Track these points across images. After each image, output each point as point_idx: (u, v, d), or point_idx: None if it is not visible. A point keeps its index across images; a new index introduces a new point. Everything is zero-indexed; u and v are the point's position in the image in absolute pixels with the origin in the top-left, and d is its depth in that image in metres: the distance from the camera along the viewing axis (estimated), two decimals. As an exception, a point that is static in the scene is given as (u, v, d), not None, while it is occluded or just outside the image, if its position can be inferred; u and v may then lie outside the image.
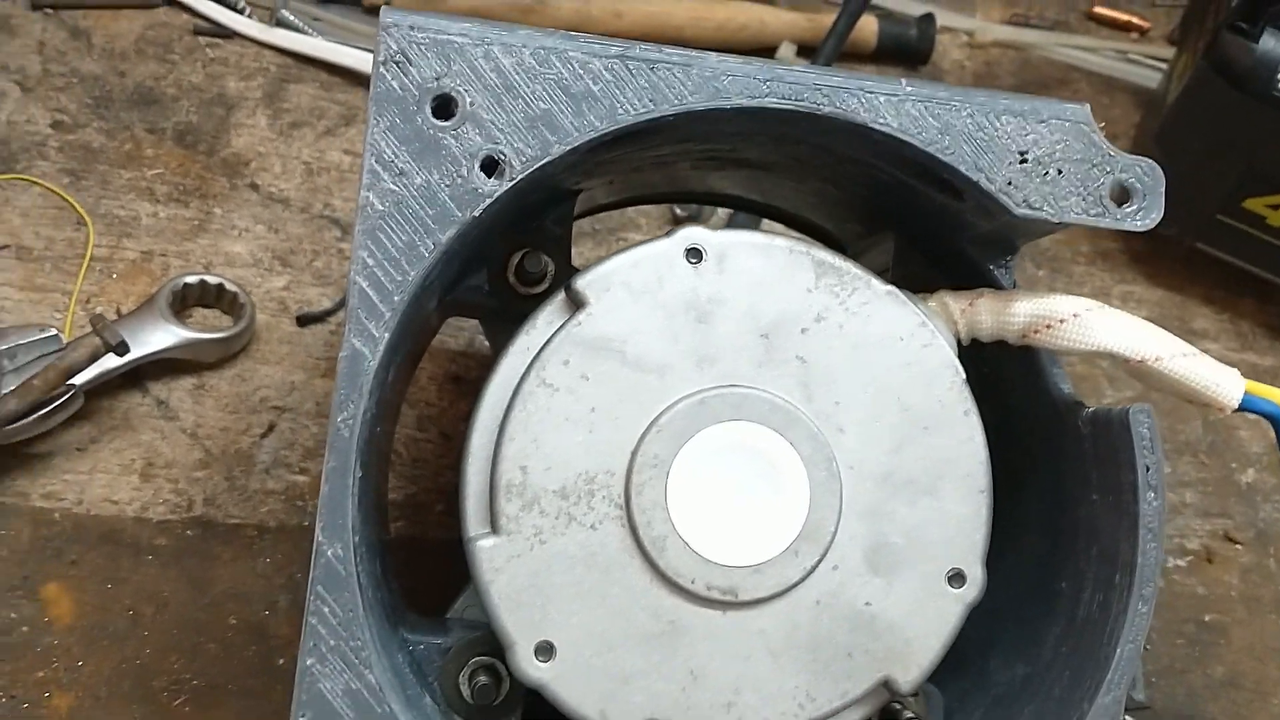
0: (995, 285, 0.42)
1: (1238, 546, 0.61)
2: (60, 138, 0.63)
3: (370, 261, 0.36)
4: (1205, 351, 0.62)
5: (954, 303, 0.41)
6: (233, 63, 0.67)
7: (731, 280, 0.40)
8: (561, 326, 0.39)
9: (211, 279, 0.58)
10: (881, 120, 0.38)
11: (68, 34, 0.66)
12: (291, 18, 0.68)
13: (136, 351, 0.54)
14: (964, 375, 0.41)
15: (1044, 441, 0.44)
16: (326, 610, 0.35)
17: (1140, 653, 0.38)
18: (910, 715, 0.42)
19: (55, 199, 0.61)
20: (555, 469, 0.39)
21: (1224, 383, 0.39)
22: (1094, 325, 0.39)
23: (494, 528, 0.39)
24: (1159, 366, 0.39)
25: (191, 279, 0.58)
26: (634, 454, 0.39)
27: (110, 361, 0.53)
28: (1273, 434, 0.41)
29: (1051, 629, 0.42)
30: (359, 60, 0.67)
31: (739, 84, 0.37)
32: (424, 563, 0.54)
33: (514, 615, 0.39)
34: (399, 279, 0.36)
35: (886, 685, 0.40)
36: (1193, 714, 0.57)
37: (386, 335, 0.36)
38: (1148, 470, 0.39)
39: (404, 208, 0.36)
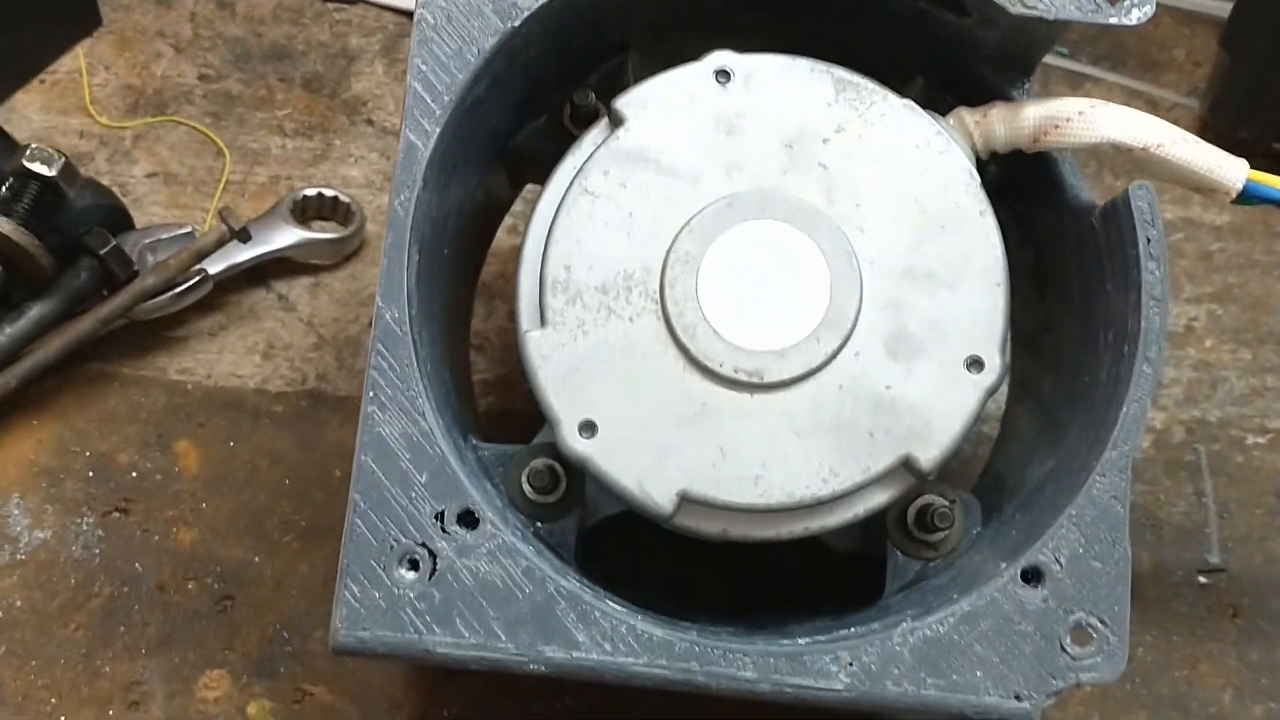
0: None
1: (1322, 427, 0.61)
2: (205, 87, 0.71)
3: (423, 68, 0.41)
4: None
5: (969, 115, 0.44)
6: (355, 23, 0.75)
7: (757, 97, 0.44)
8: (602, 142, 0.44)
9: (328, 191, 0.64)
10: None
11: (215, 5, 0.75)
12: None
13: (260, 249, 0.61)
14: (979, 180, 0.43)
15: (1074, 254, 0.46)
16: (385, 365, 0.40)
17: (1146, 413, 0.40)
18: (945, 504, 0.44)
19: (199, 136, 0.69)
20: (596, 268, 0.43)
21: (1227, 167, 0.41)
22: (1098, 119, 0.42)
23: (542, 321, 0.43)
24: (1161, 153, 0.41)
25: (310, 191, 0.64)
26: (668, 252, 0.43)
27: (238, 255, 0.60)
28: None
29: (1075, 420, 0.43)
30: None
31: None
32: (509, 432, 0.58)
33: (559, 397, 0.43)
34: (448, 80, 0.41)
35: (907, 464, 0.42)
36: (1273, 578, 0.56)
37: (437, 130, 0.41)
38: (1149, 242, 0.41)
39: (453, 20, 0.41)
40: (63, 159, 0.56)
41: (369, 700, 0.52)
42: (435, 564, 0.39)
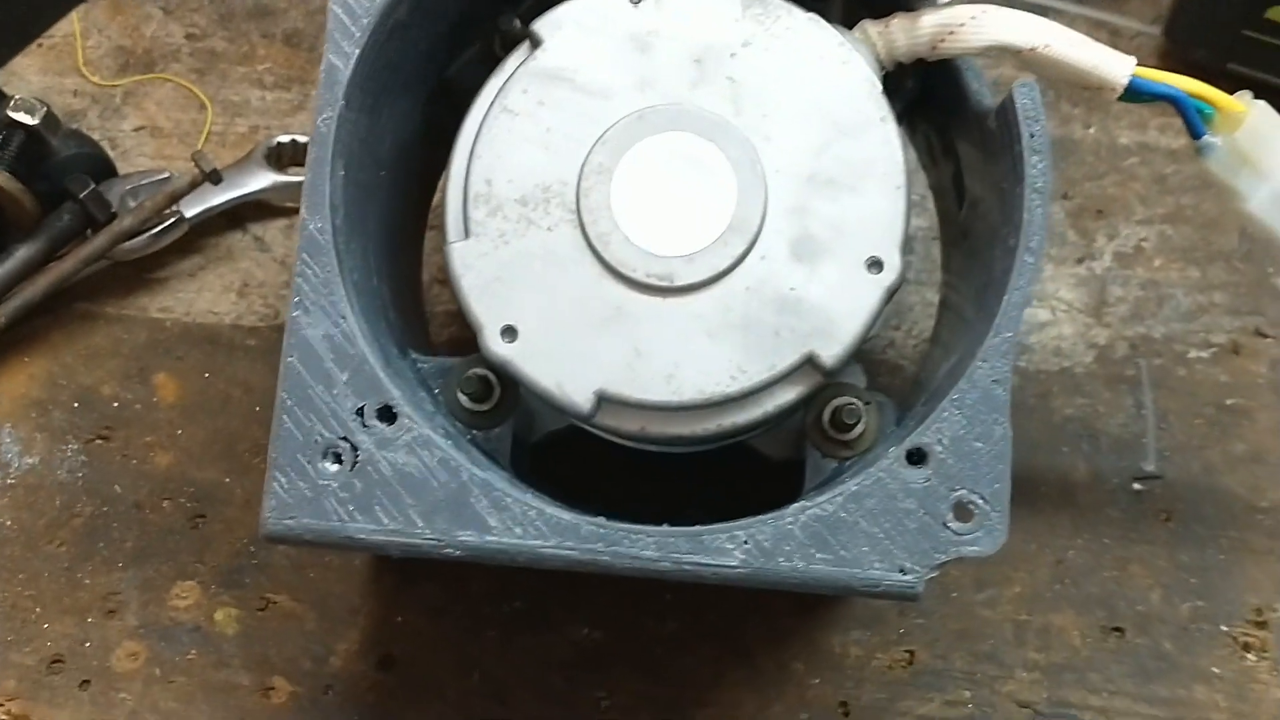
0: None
1: (1268, 339, 0.62)
2: (191, 45, 0.74)
3: (346, -10, 0.43)
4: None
5: (872, 27, 0.46)
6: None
7: (668, 15, 0.46)
8: (521, 63, 0.46)
9: (301, 138, 0.67)
10: None
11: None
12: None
13: (235, 191, 0.64)
14: (880, 87, 0.45)
15: (980, 160, 0.47)
16: (310, 272, 0.42)
17: (1028, 301, 0.42)
18: (856, 402, 0.46)
19: (184, 91, 0.72)
20: (516, 181, 0.45)
21: (1113, 62, 0.42)
22: (988, 23, 0.43)
23: (466, 233, 0.46)
24: (1048, 53, 0.43)
25: (285, 138, 0.67)
26: (583, 165, 0.45)
27: (213, 197, 0.63)
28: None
29: (978, 317, 0.45)
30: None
31: None
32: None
33: (481, 304, 0.45)
34: (366, 4, 0.43)
35: (811, 361, 0.44)
36: (1209, 485, 0.58)
37: (356, 51, 0.43)
38: (1032, 136, 0.42)
39: (371, -60, 0.43)
40: (44, 109, 0.59)
41: (328, 606, 0.55)
42: (356, 456, 0.42)
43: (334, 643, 0.54)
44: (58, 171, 0.61)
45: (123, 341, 0.62)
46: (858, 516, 0.41)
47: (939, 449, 0.41)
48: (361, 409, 0.42)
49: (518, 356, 0.45)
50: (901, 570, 0.40)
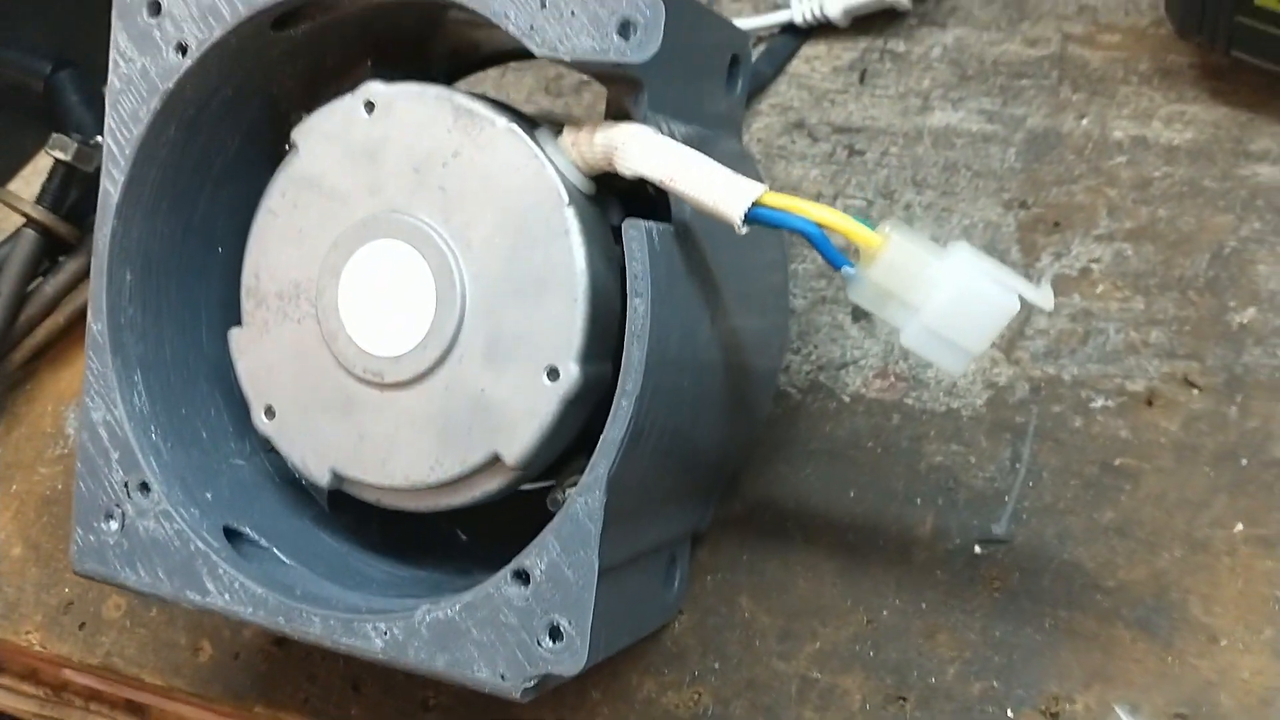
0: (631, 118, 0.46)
1: (1194, 391, 0.55)
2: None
3: (114, 124, 0.50)
4: (1256, 175, 0.58)
5: (568, 136, 0.47)
6: None
7: (394, 125, 0.49)
8: (282, 167, 0.51)
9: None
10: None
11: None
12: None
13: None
14: (567, 199, 0.46)
15: None
16: (94, 365, 0.51)
17: (622, 441, 0.42)
18: (563, 495, 0.49)
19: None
20: (276, 276, 0.51)
21: (731, 199, 0.41)
22: (630, 152, 0.43)
23: (240, 321, 0.52)
24: (674, 186, 0.42)
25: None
26: (321, 265, 0.50)
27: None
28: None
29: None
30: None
31: (333, -35, 0.46)
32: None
33: (250, 384, 0.52)
34: (129, 136, 0.50)
35: (498, 458, 0.48)
36: (1057, 556, 0.54)
37: (123, 178, 0.50)
38: (635, 278, 0.42)
39: (131, 84, 0.50)
40: (75, 144, 0.71)
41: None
42: (124, 520, 0.51)
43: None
44: (92, 192, 0.72)
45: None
46: (470, 624, 0.45)
47: (538, 573, 0.44)
48: (127, 482, 0.51)
49: (275, 433, 0.52)
50: (503, 677, 0.44)
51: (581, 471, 0.48)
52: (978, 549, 0.55)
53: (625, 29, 0.42)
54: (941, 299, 0.40)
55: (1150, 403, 0.56)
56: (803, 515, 0.58)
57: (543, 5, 0.43)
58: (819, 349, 0.62)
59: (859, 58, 0.67)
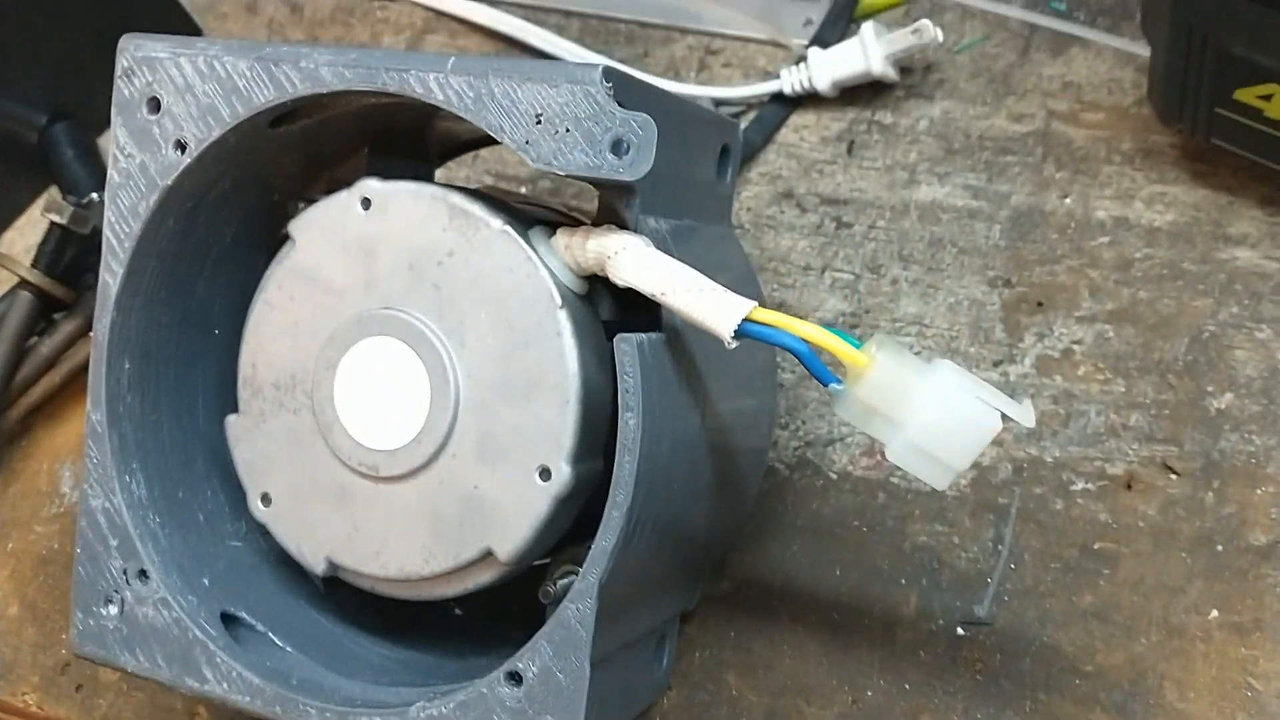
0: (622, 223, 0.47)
1: (1172, 476, 0.57)
2: (263, 95, 0.84)
3: (113, 218, 0.51)
4: (1234, 259, 0.59)
5: (562, 239, 0.48)
6: (391, 21, 0.84)
7: (390, 222, 0.50)
8: (279, 259, 0.52)
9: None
10: (435, 96, 0.46)
11: (289, 9, 0.87)
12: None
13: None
14: (560, 302, 0.47)
15: None
16: (92, 454, 0.52)
17: (614, 551, 0.43)
18: (554, 588, 0.50)
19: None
20: (273, 367, 0.52)
21: (720, 316, 0.42)
22: (623, 263, 0.44)
23: (237, 409, 0.53)
24: (666, 301, 0.43)
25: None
26: (317, 358, 0.51)
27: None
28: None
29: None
30: (476, 13, 0.80)
31: (332, 72, 0.47)
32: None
33: (246, 472, 0.53)
34: (129, 230, 0.51)
35: (491, 554, 0.49)
36: (1037, 639, 0.55)
37: (122, 270, 0.51)
38: (627, 392, 0.43)
39: (130, 179, 0.51)
40: (71, 208, 0.71)
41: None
42: (123, 606, 0.52)
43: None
44: (89, 252, 0.73)
45: (153, 392, 0.75)
46: (463, 723, 0.46)
47: (530, 676, 0.45)
48: (126, 569, 0.52)
49: (271, 520, 0.53)
50: (495, 776, 0.45)
51: (574, 561, 0.50)
52: (960, 630, 0.57)
53: (618, 147, 0.43)
54: (926, 418, 0.41)
55: (1130, 486, 0.57)
56: (789, 592, 0.59)
57: (537, 121, 0.44)
58: (806, 424, 0.63)
59: (847, 128, 0.68)
